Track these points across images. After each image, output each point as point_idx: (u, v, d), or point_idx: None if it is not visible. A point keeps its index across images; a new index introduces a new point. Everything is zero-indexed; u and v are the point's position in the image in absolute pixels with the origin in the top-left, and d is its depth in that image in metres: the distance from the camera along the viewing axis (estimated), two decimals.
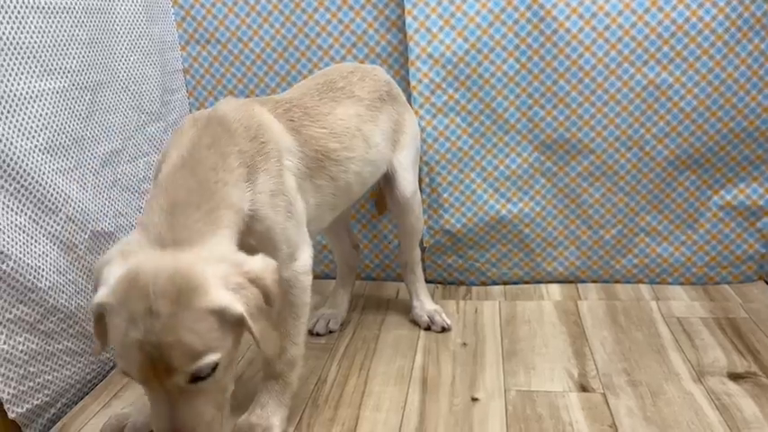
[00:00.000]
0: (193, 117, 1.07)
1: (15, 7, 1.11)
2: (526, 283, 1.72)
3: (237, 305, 0.85)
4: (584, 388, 1.24)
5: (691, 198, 1.60)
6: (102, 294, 0.85)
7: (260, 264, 0.91)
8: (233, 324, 0.87)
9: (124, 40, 1.43)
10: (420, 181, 1.63)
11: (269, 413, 1.11)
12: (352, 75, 1.35)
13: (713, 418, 1.12)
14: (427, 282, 1.63)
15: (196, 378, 0.85)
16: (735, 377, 1.24)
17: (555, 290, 1.67)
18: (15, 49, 1.11)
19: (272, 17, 1.64)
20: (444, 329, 1.48)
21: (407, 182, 1.41)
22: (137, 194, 1.47)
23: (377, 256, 1.78)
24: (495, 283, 1.72)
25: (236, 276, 0.87)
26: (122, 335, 0.82)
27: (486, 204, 1.65)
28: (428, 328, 1.49)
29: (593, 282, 1.70)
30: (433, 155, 1.62)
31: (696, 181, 1.58)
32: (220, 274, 0.86)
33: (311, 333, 1.50)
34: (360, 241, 1.74)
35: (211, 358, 0.84)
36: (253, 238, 1.01)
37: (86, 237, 1.28)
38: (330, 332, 1.52)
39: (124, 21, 1.43)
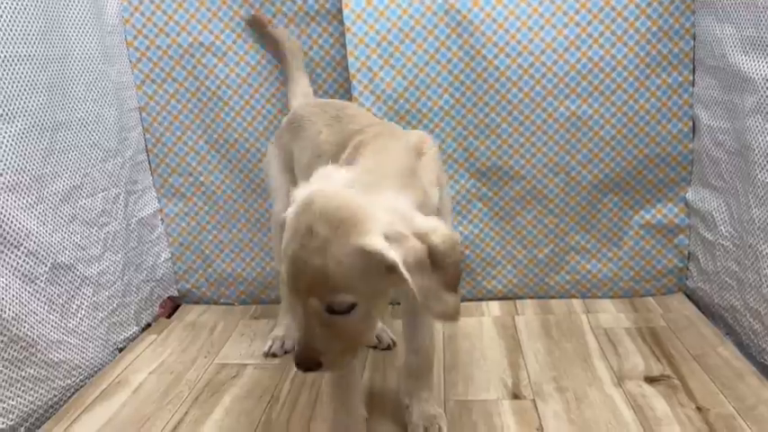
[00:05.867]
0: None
1: None
2: (468, 301, 1.84)
3: (391, 252, 0.83)
4: (516, 396, 1.35)
5: (615, 218, 1.74)
6: (288, 210, 0.92)
7: (433, 224, 0.89)
8: (384, 273, 0.85)
9: (82, 82, 1.52)
10: None
11: (434, 403, 1.25)
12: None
13: (629, 417, 1.24)
14: None
15: (331, 309, 0.87)
16: (650, 380, 1.37)
17: (495, 307, 1.80)
18: None
19: (226, 57, 1.74)
20: (389, 347, 1.58)
21: None
22: (95, 227, 1.55)
23: None
24: None
25: (402, 227, 0.86)
26: (285, 244, 0.88)
27: None
28: (375, 347, 1.59)
29: (530, 298, 1.82)
30: None
31: (619, 202, 1.73)
32: (386, 220, 0.86)
33: (267, 355, 1.58)
34: None
35: (347, 298, 0.86)
36: None
37: (47, 269, 1.35)
38: (286, 353, 1.60)
39: (82, 64, 1.52)
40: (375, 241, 0.84)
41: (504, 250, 1.79)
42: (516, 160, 1.70)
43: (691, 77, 1.61)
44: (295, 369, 1.47)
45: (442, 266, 0.86)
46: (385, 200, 0.89)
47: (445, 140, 1.71)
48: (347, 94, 1.72)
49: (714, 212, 1.56)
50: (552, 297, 1.82)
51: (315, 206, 0.87)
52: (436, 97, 1.68)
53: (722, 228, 1.53)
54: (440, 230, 0.88)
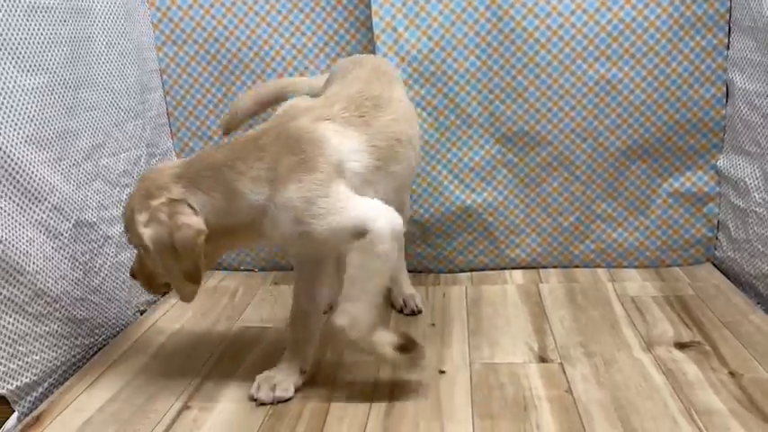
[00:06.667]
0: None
1: (1, 7, 1.18)
2: (491, 269, 1.81)
3: (143, 228, 1.08)
4: (543, 359, 1.33)
5: (642, 186, 1.71)
6: None
7: (186, 222, 1.07)
8: None
9: (104, 40, 1.50)
10: None
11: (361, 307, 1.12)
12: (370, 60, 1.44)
13: (660, 381, 1.22)
14: None
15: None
16: (680, 346, 1.34)
17: (518, 275, 1.77)
18: (1, 46, 1.18)
19: (247, 18, 1.71)
20: (413, 312, 1.56)
21: None
22: (117, 188, 1.53)
23: None
24: (462, 271, 1.81)
25: (165, 214, 1.07)
26: None
27: (453, 195, 1.74)
28: (401, 311, 1.57)
29: (554, 267, 1.80)
30: None
31: (647, 170, 1.70)
32: (158, 203, 1.09)
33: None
34: None
35: (131, 240, 1.14)
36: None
37: (70, 226, 1.34)
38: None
39: (104, 21, 1.50)
40: (139, 215, 1.10)
41: (529, 218, 1.76)
42: (543, 125, 1.67)
43: (726, 40, 1.56)
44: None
45: (179, 257, 1.08)
46: (176, 191, 1.09)
47: (470, 104, 1.68)
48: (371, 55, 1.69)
49: (747, 179, 1.53)
50: (577, 266, 1.79)
51: (144, 175, 1.16)
52: (462, 59, 1.64)
53: (756, 194, 1.49)
54: (184, 229, 1.07)
